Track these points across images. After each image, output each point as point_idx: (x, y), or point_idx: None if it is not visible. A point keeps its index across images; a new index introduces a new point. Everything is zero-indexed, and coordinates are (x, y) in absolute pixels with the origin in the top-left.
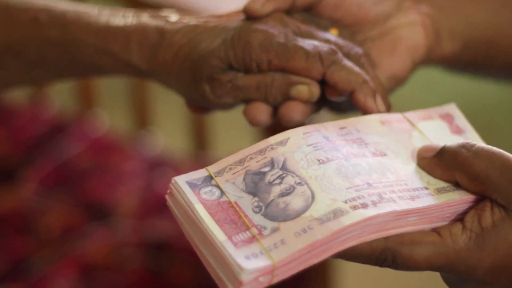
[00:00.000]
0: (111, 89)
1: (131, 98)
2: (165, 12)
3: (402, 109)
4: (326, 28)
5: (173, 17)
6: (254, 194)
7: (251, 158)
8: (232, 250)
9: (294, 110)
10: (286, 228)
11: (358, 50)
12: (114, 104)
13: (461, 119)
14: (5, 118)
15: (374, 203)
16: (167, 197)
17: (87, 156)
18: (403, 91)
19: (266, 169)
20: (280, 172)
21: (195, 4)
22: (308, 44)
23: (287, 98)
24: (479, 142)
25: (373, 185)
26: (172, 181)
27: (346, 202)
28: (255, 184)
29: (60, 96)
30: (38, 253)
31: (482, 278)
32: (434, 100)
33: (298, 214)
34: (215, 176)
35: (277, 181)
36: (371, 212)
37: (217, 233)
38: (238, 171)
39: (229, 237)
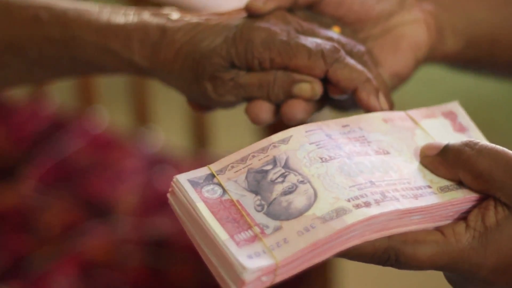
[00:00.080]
0: (111, 86)
1: (131, 95)
2: (166, 10)
3: (405, 106)
4: (328, 26)
5: (175, 15)
6: (256, 192)
7: (253, 156)
8: (234, 249)
9: (297, 108)
10: (288, 227)
11: (360, 48)
12: (114, 100)
13: (464, 117)
14: (5, 115)
15: (377, 202)
16: (168, 195)
17: (87, 153)
18: (405, 89)
19: (269, 167)
20: (283, 171)
21: (197, 2)
22: (310, 42)
23: (290, 96)
24: (483, 140)
25: (376, 184)
26: (174, 179)
27: (349, 200)
28: (258, 183)
29: (60, 92)
30: (38, 250)
31: (485, 277)
32: (436, 98)
33: (300, 213)
34: (217, 174)
35: (280, 179)
36: (374, 211)
37: (219, 232)
38: (240, 169)
39: (231, 236)
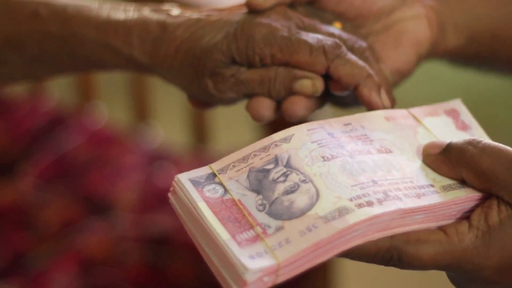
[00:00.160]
0: (111, 82)
1: (130, 91)
2: (166, 6)
3: (406, 103)
4: (329, 22)
5: (175, 11)
6: (258, 192)
7: (254, 155)
8: (236, 249)
9: (298, 104)
10: (290, 226)
11: (362, 43)
12: (114, 97)
13: (466, 115)
14: (4, 110)
15: (380, 201)
16: (169, 195)
17: (86, 149)
18: (407, 85)
19: (270, 166)
20: (285, 170)
21: None
22: (311, 37)
23: (291, 92)
24: (485, 139)
25: (378, 183)
26: (175, 178)
27: (351, 200)
28: (259, 182)
29: (59, 88)
30: (37, 247)
31: (488, 277)
32: (437, 94)
33: (302, 212)
34: (219, 174)
35: (282, 178)
36: (376, 210)
37: (221, 232)
38: (242, 168)
39: (233, 236)
